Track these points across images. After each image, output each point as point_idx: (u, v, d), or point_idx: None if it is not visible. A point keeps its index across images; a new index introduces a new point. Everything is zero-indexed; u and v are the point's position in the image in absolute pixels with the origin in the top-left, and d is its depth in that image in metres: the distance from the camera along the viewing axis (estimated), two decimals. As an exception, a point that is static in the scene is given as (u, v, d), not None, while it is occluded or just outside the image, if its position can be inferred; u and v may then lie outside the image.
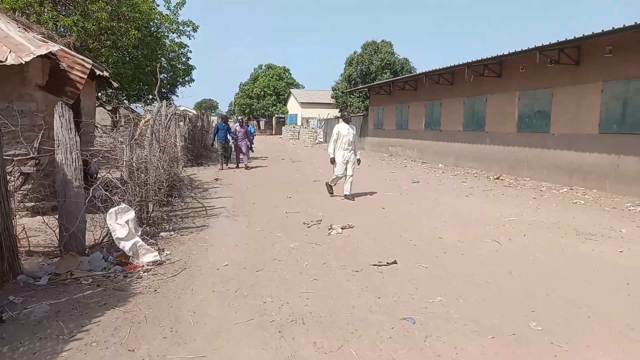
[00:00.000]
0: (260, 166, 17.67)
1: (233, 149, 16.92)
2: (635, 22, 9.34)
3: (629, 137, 10.69)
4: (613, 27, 9.89)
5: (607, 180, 11.22)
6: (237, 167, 16.72)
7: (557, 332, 3.65)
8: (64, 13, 15.82)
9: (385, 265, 5.35)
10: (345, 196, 9.95)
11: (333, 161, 9.97)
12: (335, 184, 10.37)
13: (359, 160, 10.37)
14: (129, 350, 3.30)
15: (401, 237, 6.70)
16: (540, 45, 12.01)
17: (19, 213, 5.92)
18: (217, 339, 3.49)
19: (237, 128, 16.47)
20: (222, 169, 16.32)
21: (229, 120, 22.74)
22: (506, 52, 13.53)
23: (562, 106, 12.71)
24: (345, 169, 9.94)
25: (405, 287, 4.63)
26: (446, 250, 6.00)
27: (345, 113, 10.57)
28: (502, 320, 3.87)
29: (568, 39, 11.19)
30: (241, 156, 16.63)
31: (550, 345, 3.43)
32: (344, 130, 9.95)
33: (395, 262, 5.42)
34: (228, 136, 16.46)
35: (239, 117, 15.78)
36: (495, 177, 14.47)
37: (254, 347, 3.38)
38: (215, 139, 16.99)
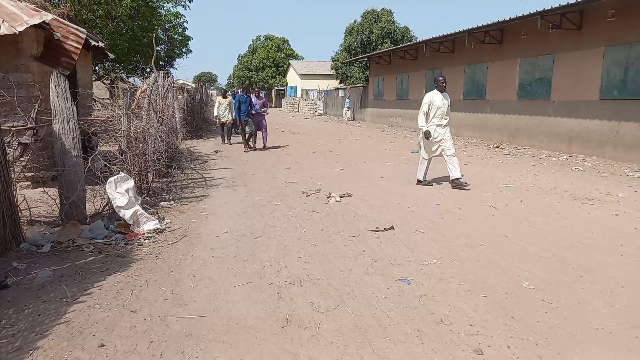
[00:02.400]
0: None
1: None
2: (638, -16, 9.15)
3: (629, 102, 10.61)
4: (616, -10, 9.69)
5: (606, 147, 11.20)
6: (254, 147, 13.95)
7: (548, 290, 3.73)
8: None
9: (382, 230, 5.42)
10: (453, 182, 7.91)
11: (429, 135, 7.83)
12: (425, 175, 8.24)
13: None
14: (130, 311, 3.39)
15: (399, 204, 6.76)
16: (542, 9, 11.79)
17: (19, 184, 5.97)
18: (217, 300, 3.59)
19: (254, 100, 13.73)
20: (225, 142, 15.27)
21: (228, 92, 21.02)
22: (507, 18, 13.29)
23: (563, 73, 12.57)
24: (437, 149, 7.96)
25: (401, 251, 4.71)
26: (443, 216, 6.07)
27: (441, 78, 8.15)
28: (495, 280, 3.95)
29: (570, 2, 10.98)
30: (262, 130, 13.93)
31: (541, 302, 3.52)
32: (437, 100, 7.88)
33: (392, 228, 5.49)
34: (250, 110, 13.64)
35: (244, 85, 14.18)
36: (495, 145, 14.45)
37: (253, 307, 3.47)
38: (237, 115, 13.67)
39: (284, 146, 14.86)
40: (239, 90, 15.79)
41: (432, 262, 4.38)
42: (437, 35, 17.47)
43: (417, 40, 21.53)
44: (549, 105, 13.11)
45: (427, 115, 7.92)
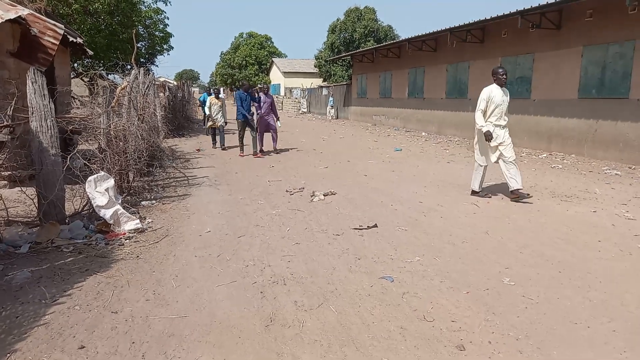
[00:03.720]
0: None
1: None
2: (615, -15, 9.34)
3: (607, 101, 10.84)
4: (593, -9, 9.88)
5: (585, 145, 11.42)
6: (260, 152, 12.23)
7: (528, 286, 3.79)
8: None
9: (366, 228, 5.44)
10: (513, 193, 6.76)
11: (490, 136, 6.73)
12: (481, 185, 7.14)
13: None
14: (111, 312, 3.34)
15: (382, 203, 6.79)
16: (523, 9, 11.95)
17: (-5, 183, 5.83)
18: (199, 300, 3.56)
19: (262, 97, 12.30)
20: (223, 149, 13.40)
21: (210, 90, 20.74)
22: (489, 17, 13.44)
23: (543, 71, 12.77)
24: (496, 154, 6.90)
25: (384, 249, 4.73)
26: (426, 214, 6.12)
27: (501, 70, 6.86)
28: (477, 276, 4.00)
29: (549, 2, 11.15)
30: (258, 134, 12.32)
31: (521, 298, 3.57)
32: (497, 96, 6.73)
33: (375, 226, 5.52)
34: (252, 109, 12.50)
35: (245, 82, 12.92)
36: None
37: (236, 306, 3.45)
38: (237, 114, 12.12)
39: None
40: (222, 88, 15.33)
41: (415, 260, 4.41)
42: (420, 34, 17.58)
43: (400, 39, 21.63)
44: (529, 103, 13.31)
45: (484, 113, 6.83)
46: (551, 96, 12.50)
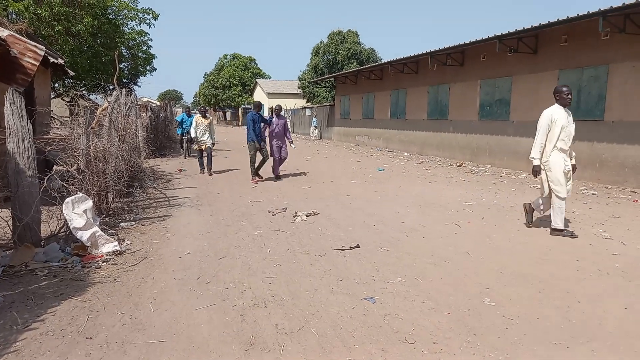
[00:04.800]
0: (226, 157, 17.48)
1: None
2: (588, 12, 9.68)
3: (583, 123, 11.08)
4: (567, 17, 10.22)
5: (562, 165, 11.64)
6: (276, 177, 11.45)
7: (509, 306, 3.81)
8: (15, -1, 15.11)
9: (348, 249, 5.42)
10: (555, 231, 6.03)
11: (538, 172, 6.03)
12: (563, 223, 6.03)
13: None
14: (86, 337, 3.24)
15: (365, 223, 6.79)
16: (500, 34, 12.29)
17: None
18: (178, 324, 3.48)
19: (274, 119, 11.28)
20: (204, 174, 12.26)
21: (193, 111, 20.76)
22: (468, 41, 13.78)
23: (521, 94, 13.09)
24: (570, 181, 6.10)
25: (367, 270, 4.72)
26: (408, 234, 6.13)
27: (565, 88, 6.08)
28: (458, 297, 4.00)
29: (526, 27, 11.49)
30: (275, 158, 11.40)
31: (502, 318, 3.58)
32: (562, 118, 5.92)
33: (358, 246, 5.51)
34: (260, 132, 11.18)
35: (257, 102, 11.36)
36: (458, 164, 14.80)
37: (216, 330, 3.39)
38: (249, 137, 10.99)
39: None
40: (202, 108, 14.48)
41: (397, 280, 4.40)
42: (402, 57, 17.91)
43: (383, 61, 22.01)
44: (508, 125, 13.58)
45: (547, 139, 5.95)
46: (530, 118, 12.75)
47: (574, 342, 3.20)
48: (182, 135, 17.05)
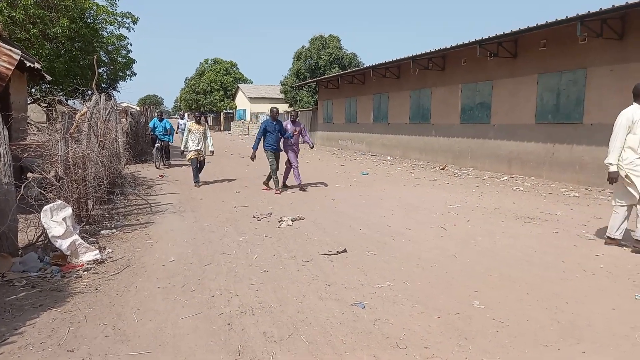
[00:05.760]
0: (208, 162, 17.28)
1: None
2: (567, 17, 9.86)
3: (563, 126, 11.31)
4: (547, 21, 10.39)
5: (543, 168, 11.82)
6: (281, 187, 10.45)
7: (498, 308, 3.80)
8: (-11, 2, 14.75)
9: (335, 254, 5.37)
10: (611, 240, 5.64)
11: (614, 178, 5.44)
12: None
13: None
14: (67, 350, 3.12)
15: (351, 227, 6.76)
16: (480, 38, 12.44)
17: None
18: (163, 334, 3.38)
19: (289, 126, 10.41)
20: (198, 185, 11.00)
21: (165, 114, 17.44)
22: (449, 46, 13.92)
23: (501, 98, 13.26)
24: None
25: (354, 274, 4.67)
26: (394, 238, 6.11)
27: None
28: (447, 300, 3.98)
29: (506, 32, 11.66)
30: (294, 167, 10.46)
31: (492, 321, 3.57)
32: None
33: (345, 251, 5.46)
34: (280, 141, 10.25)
35: (273, 108, 10.31)
36: (441, 167, 14.91)
37: (202, 340, 3.29)
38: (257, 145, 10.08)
39: (233, 170, 14.63)
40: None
41: (385, 285, 4.36)
42: (384, 62, 18.00)
43: (364, 66, 22.10)
44: (489, 128, 13.73)
45: (616, 144, 5.35)
46: (510, 121, 12.95)
47: (564, 344, 3.20)
48: (155, 141, 15.41)
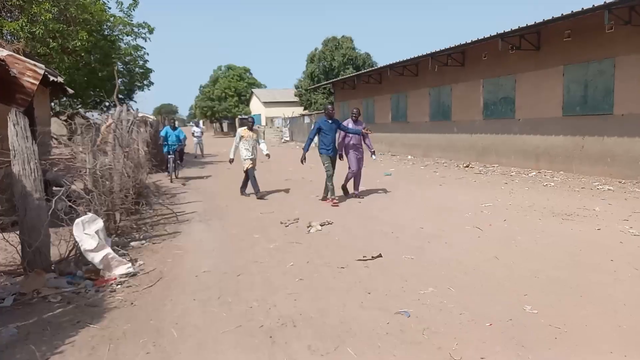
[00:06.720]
0: (228, 168, 17.26)
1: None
2: (593, 5, 9.56)
3: (591, 118, 10.97)
4: (572, 11, 10.09)
5: (573, 162, 11.49)
6: (343, 192, 9.62)
7: (552, 314, 3.60)
8: (9, 18, 14.97)
9: (370, 259, 5.22)
10: None
11: None
12: None
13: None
14: (109, 370, 3.03)
15: (382, 231, 6.59)
16: (502, 32, 12.16)
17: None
18: (205, 351, 3.26)
19: (351, 126, 9.25)
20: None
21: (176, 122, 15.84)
22: (469, 41, 13.65)
23: (526, 92, 12.94)
24: None
25: (394, 280, 4.51)
26: (429, 241, 5.93)
27: None
28: (496, 306, 3.79)
29: (529, 24, 11.37)
30: (353, 172, 9.42)
31: (548, 327, 3.38)
32: None
33: (380, 256, 5.30)
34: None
35: (328, 105, 9.74)
36: (464, 165, 14.63)
37: (245, 355, 3.17)
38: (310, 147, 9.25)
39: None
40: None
41: (428, 291, 4.19)
42: (401, 60, 17.79)
43: (379, 66, 21.91)
44: (514, 123, 13.42)
45: None
46: (535, 115, 12.63)
47: (631, 350, 3.00)
48: (169, 153, 14.02)
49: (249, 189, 10.24)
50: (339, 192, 9.33)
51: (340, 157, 9.47)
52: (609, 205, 7.59)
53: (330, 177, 8.89)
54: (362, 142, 9.38)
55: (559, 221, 6.62)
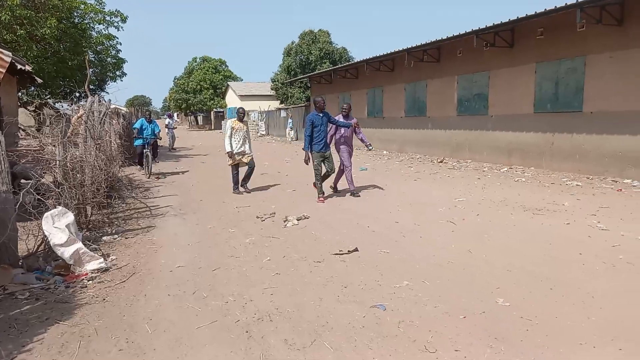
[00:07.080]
0: (203, 162, 17.07)
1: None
2: (566, 3, 9.76)
3: (562, 115, 11.24)
4: (545, 9, 10.29)
5: (543, 158, 11.76)
6: (333, 190, 9.43)
7: (524, 306, 3.68)
8: (-27, 4, 14.37)
9: (346, 253, 5.23)
10: None
11: None
12: None
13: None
14: (80, 368, 2.96)
15: (358, 224, 6.62)
16: (477, 28, 12.32)
17: None
18: (180, 346, 3.22)
19: (340, 119, 9.02)
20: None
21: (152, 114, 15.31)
22: (444, 37, 13.79)
23: (499, 88, 13.17)
24: None
25: (370, 274, 4.54)
26: (405, 235, 5.98)
27: None
28: (470, 299, 3.86)
29: (503, 21, 11.55)
30: (347, 169, 9.05)
31: (520, 319, 3.45)
32: None
33: (356, 250, 5.32)
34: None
35: (318, 98, 8.97)
36: (439, 160, 14.81)
37: (221, 350, 3.14)
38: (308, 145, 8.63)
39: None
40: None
41: (403, 284, 4.23)
42: (377, 55, 17.83)
43: (355, 60, 21.93)
44: (487, 119, 13.65)
45: None
46: (508, 112, 12.87)
47: (599, 342, 3.09)
48: (143, 147, 13.21)
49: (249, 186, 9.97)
50: (328, 191, 9.20)
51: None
52: (578, 200, 7.81)
53: (318, 176, 8.68)
54: (352, 137, 9.23)
55: (530, 216, 6.77)
